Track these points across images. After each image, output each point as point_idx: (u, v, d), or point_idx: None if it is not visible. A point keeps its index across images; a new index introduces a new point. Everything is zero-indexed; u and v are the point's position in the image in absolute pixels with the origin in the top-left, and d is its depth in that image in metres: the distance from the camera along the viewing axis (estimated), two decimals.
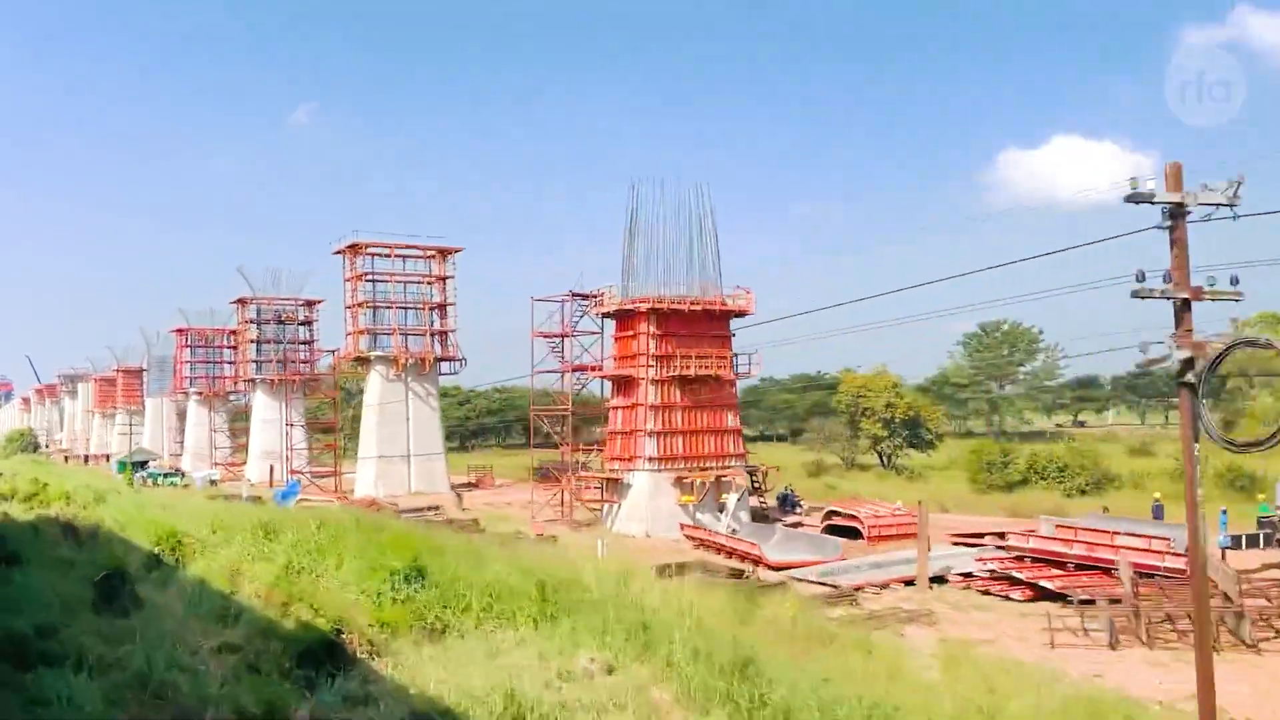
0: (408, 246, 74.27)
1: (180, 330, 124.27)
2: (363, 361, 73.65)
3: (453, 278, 75.05)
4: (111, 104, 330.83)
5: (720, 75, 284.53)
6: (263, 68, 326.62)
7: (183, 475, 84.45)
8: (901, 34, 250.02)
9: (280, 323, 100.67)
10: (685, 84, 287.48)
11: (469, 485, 78.94)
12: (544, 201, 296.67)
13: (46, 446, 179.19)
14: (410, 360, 73.13)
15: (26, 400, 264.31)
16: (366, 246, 73.03)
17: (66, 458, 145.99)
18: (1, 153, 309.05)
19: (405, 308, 74.68)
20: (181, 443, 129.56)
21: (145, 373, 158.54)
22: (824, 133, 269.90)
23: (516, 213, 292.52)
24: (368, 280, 73.74)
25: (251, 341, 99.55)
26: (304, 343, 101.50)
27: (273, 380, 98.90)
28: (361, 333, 73.29)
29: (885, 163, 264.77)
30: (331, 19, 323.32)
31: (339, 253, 74.23)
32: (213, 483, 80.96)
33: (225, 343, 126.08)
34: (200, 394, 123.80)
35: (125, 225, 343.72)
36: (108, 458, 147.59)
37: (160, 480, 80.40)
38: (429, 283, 75.54)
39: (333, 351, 76.85)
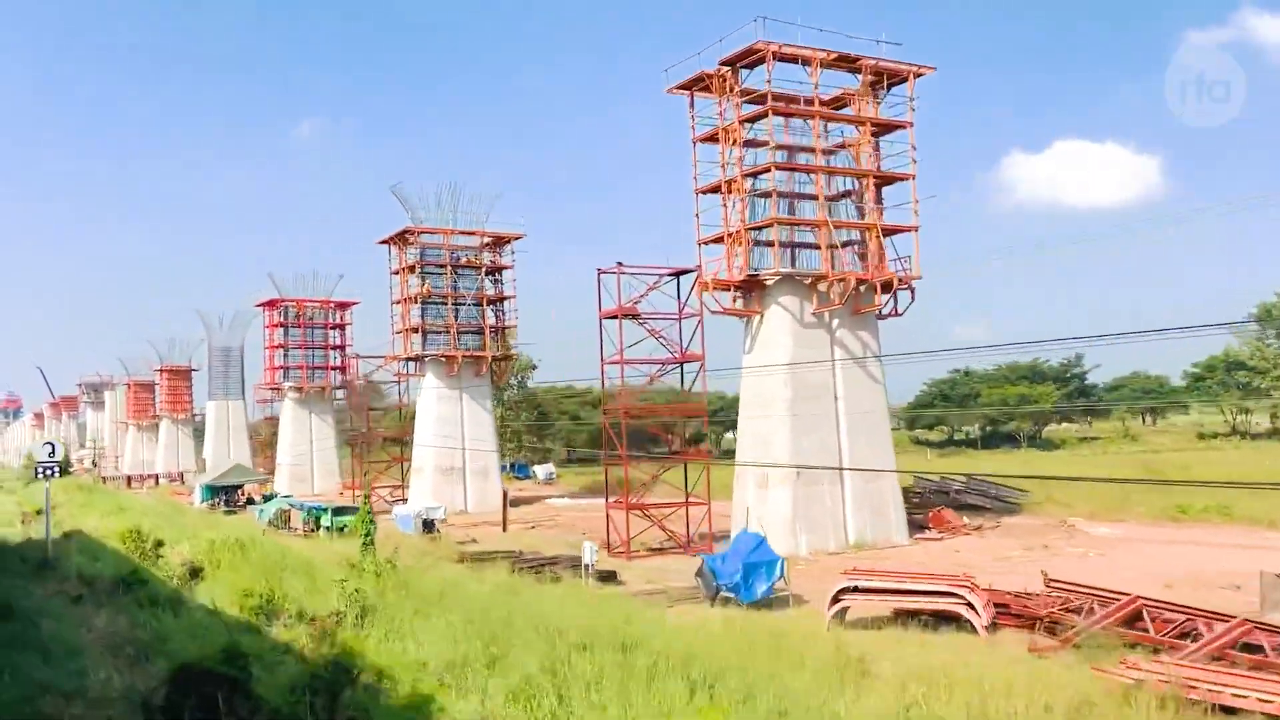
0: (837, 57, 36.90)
1: (271, 303, 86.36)
2: (746, 290, 36.62)
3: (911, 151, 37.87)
4: (115, 112, 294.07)
5: None
6: (266, 83, 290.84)
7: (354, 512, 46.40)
8: (903, 38, 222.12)
9: (458, 268, 63.55)
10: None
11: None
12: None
13: (94, 465, 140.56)
14: (847, 290, 36.24)
15: (39, 416, 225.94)
16: (773, 52, 35.81)
17: (104, 479, 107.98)
18: (6, 161, 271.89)
19: (828, 197, 37.37)
20: (271, 457, 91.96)
21: (196, 371, 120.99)
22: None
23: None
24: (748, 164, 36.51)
25: (412, 301, 62.22)
26: (494, 300, 64.43)
27: (452, 359, 61.53)
28: (759, 229, 36.11)
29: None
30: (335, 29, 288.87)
31: (681, 88, 37.34)
32: (429, 525, 43.16)
33: (331, 320, 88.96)
34: (299, 389, 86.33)
35: (128, 234, 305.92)
36: (155, 479, 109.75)
37: (327, 521, 43.05)
38: (848, 174, 38.51)
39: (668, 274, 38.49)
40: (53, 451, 23.34)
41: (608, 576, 30.52)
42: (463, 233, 62.12)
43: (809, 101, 36.71)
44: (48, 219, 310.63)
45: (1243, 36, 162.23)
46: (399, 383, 66.50)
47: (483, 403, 63.22)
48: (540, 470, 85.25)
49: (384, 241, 63.17)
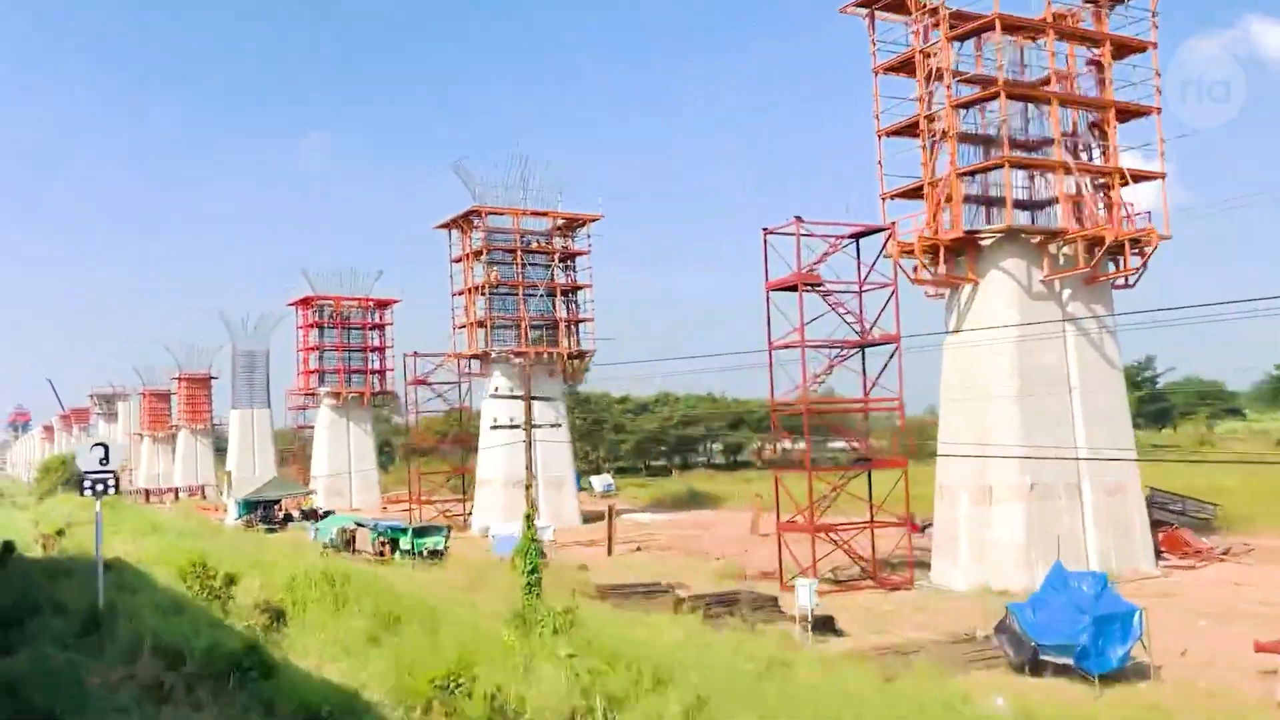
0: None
1: (304, 301, 78.73)
2: (952, 253, 28.97)
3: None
4: (117, 115, 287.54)
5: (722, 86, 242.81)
6: (272, 96, 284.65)
7: (447, 531, 38.23)
8: None
9: (528, 254, 55.90)
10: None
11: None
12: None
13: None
14: (1100, 250, 28.64)
15: (49, 429, 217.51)
16: None
17: (120, 493, 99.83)
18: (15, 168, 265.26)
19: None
20: (302, 468, 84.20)
21: (216, 380, 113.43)
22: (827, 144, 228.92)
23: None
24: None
25: (478, 291, 54.50)
26: (567, 291, 56.79)
27: (523, 355, 53.79)
28: (973, 174, 28.50)
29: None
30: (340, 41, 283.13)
31: (860, 4, 29.92)
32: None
33: (370, 319, 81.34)
34: (335, 394, 78.64)
35: (131, 242, 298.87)
36: (175, 493, 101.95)
37: (406, 543, 35.09)
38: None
39: None
40: (105, 456, 15.48)
41: (825, 624, 22.77)
42: (534, 214, 54.49)
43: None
44: (50, 227, 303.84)
45: (1248, 46, 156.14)
46: (460, 383, 58.40)
47: (556, 405, 55.35)
48: (596, 481, 77.26)
49: (444, 225, 55.50)
